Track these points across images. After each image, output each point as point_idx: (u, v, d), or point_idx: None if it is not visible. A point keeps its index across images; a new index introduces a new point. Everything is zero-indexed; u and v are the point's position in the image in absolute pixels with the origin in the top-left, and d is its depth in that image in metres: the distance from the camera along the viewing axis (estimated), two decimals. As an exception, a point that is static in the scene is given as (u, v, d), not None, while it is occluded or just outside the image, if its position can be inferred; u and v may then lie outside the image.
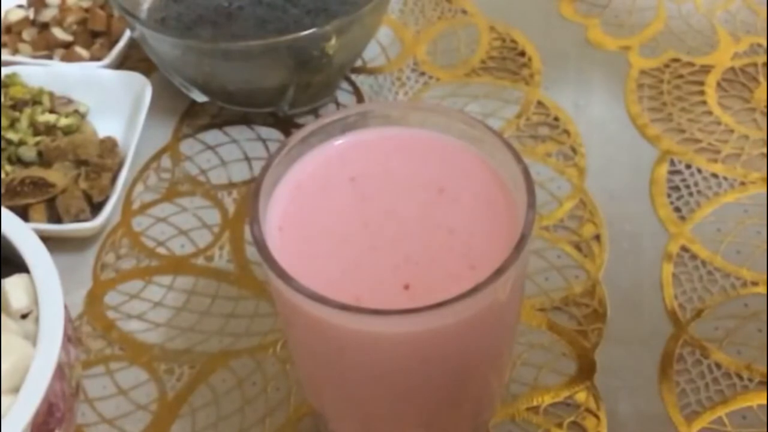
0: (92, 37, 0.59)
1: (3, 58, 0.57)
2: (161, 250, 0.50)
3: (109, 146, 0.52)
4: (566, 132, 0.53)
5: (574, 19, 0.61)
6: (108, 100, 0.55)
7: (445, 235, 0.34)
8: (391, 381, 0.34)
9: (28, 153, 0.51)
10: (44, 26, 0.60)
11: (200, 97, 0.55)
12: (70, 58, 0.58)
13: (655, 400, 0.42)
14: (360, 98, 0.57)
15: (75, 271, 0.49)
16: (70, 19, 0.59)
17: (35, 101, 0.53)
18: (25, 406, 0.33)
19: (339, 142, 0.37)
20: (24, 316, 0.37)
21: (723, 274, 0.46)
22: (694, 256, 0.47)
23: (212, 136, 0.55)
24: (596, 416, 0.42)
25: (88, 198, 0.50)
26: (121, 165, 0.51)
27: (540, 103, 0.55)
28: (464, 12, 0.62)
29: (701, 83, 0.56)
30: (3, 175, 0.50)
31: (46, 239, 0.40)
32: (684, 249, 0.48)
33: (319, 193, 0.35)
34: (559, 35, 0.60)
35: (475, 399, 0.38)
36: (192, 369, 0.45)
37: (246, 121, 0.56)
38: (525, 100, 0.55)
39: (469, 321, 0.32)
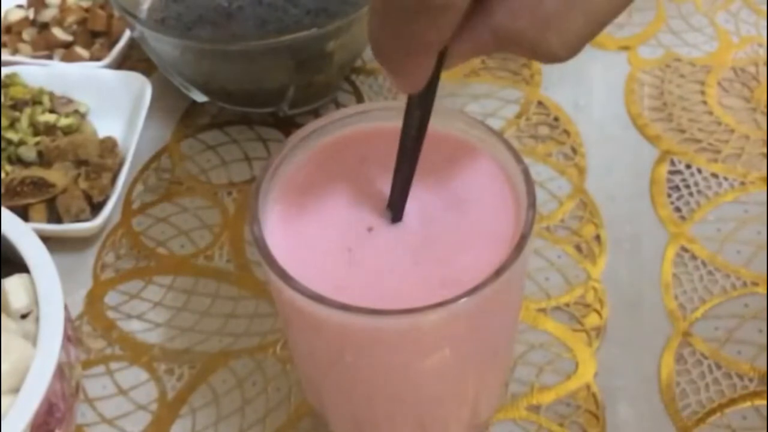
0: (92, 37, 0.59)
1: (3, 58, 0.57)
2: (161, 250, 0.50)
3: (109, 146, 0.52)
4: (566, 132, 0.53)
5: (574, 19, 0.60)
6: (108, 100, 0.55)
7: (446, 233, 0.34)
8: (391, 381, 0.34)
9: (28, 153, 0.51)
10: (44, 26, 0.60)
11: (200, 97, 0.55)
12: (70, 58, 0.58)
13: (655, 400, 0.42)
14: (360, 98, 0.57)
15: (75, 271, 0.49)
16: (70, 19, 0.59)
17: (35, 101, 0.53)
18: (25, 406, 0.33)
19: (338, 138, 0.37)
20: (24, 316, 0.37)
21: (723, 274, 0.46)
22: (694, 256, 0.47)
23: (212, 136, 0.55)
24: (596, 416, 0.42)
25: (88, 198, 0.50)
26: (121, 165, 0.51)
27: (540, 103, 0.55)
28: (464, 12, 0.62)
29: (701, 83, 0.56)
30: (3, 175, 0.50)
31: (46, 239, 0.40)
32: (684, 249, 0.48)
33: (319, 192, 0.35)
34: (559, 35, 0.59)
35: (475, 399, 0.38)
36: (192, 369, 0.45)
37: (246, 121, 0.56)
38: (525, 100, 0.55)
39: (468, 321, 0.32)
